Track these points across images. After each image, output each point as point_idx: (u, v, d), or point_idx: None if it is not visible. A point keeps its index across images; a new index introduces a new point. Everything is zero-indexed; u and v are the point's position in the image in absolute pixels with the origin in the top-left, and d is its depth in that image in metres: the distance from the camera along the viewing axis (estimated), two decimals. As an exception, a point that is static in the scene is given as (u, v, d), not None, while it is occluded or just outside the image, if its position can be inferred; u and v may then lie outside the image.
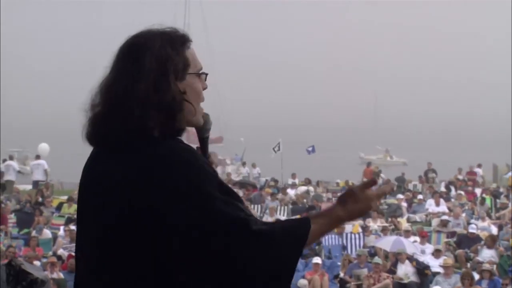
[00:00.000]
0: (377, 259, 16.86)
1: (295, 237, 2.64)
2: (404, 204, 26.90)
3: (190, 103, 2.72)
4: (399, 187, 33.44)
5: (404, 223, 22.89)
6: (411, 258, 17.31)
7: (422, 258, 17.95)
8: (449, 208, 25.07)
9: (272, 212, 23.46)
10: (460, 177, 34.27)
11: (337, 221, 2.79)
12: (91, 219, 2.70)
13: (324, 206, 26.44)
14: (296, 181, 34.01)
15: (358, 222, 22.43)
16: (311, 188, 31.17)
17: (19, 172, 35.24)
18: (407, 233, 20.13)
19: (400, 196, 28.37)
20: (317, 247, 19.40)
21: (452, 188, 31.28)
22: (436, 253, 18.15)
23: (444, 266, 16.61)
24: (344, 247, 20.03)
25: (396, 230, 21.53)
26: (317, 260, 17.14)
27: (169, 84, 2.67)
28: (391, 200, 27.81)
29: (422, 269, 16.99)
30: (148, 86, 2.64)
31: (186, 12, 54.59)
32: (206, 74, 2.83)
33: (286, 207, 26.04)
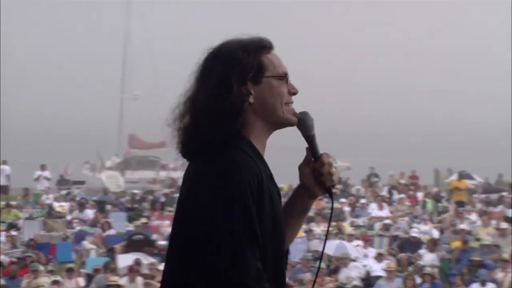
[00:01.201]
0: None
1: None
2: (347, 208, 27.08)
3: (268, 104, 2.81)
4: (342, 191, 33.64)
5: (347, 227, 23.02)
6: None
7: (365, 262, 18.09)
8: (391, 212, 25.31)
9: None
10: (403, 181, 34.63)
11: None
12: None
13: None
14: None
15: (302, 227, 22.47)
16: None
17: None
18: (350, 237, 20.25)
19: (343, 200, 28.54)
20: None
21: (395, 192, 31.58)
22: (379, 257, 18.28)
23: (386, 270, 16.76)
24: (288, 252, 20.02)
25: (339, 234, 21.63)
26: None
27: (230, 88, 2.76)
28: (334, 205, 27.93)
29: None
30: (209, 93, 2.76)
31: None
32: (287, 77, 2.89)
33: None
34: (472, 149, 63.75)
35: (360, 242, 20.05)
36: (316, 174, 2.95)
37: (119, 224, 22.56)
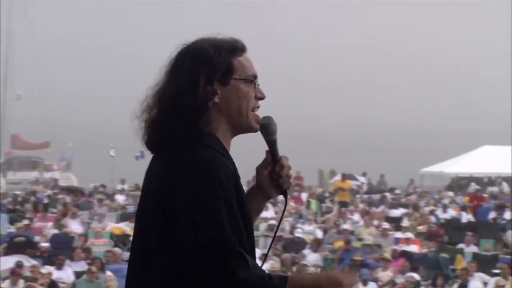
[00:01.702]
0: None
1: None
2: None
3: (232, 106, 2.81)
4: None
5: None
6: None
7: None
8: (276, 213, 25.55)
9: (102, 218, 23.12)
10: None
11: None
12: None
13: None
14: (125, 186, 33.69)
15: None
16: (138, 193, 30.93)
17: None
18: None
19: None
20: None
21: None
22: (263, 258, 18.38)
23: (271, 271, 16.92)
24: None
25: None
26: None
27: (196, 85, 2.76)
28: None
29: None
30: (174, 87, 2.77)
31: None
32: (255, 81, 2.88)
33: (115, 212, 25.73)
34: (356, 150, 65.02)
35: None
36: (275, 176, 2.99)
37: (0, 226, 22.00)
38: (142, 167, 2.95)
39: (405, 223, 23.23)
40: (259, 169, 3.01)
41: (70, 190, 31.80)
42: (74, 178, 41.73)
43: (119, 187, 33.97)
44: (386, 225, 22.20)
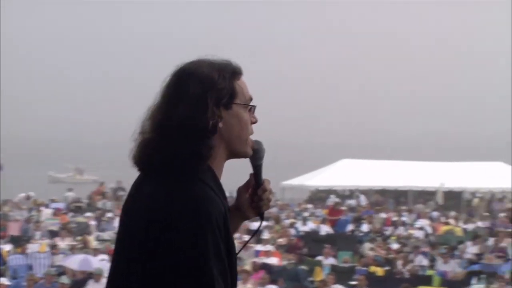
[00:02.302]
0: (64, 279, 16.63)
1: None
2: (93, 223, 26.81)
3: (233, 132, 2.80)
4: (88, 206, 33.31)
5: (92, 242, 22.80)
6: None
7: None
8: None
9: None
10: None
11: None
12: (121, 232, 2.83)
13: (13, 225, 25.63)
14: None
15: (46, 242, 22.02)
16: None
17: None
18: (96, 251, 20.11)
19: (89, 214, 28.20)
20: (2, 267, 18.80)
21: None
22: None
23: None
24: (30, 267, 19.53)
25: (84, 248, 21.39)
26: (3, 281, 16.61)
27: (206, 110, 2.73)
28: (80, 219, 27.61)
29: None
30: (185, 110, 2.73)
31: None
32: (254, 107, 2.86)
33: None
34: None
35: (105, 256, 19.91)
36: (256, 199, 3.00)
37: None
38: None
39: (266, 235, 23.48)
40: (241, 191, 3.03)
41: None
42: None
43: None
44: (247, 237, 22.36)
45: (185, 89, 2.78)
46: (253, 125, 2.88)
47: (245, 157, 2.92)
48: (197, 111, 2.74)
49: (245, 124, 2.86)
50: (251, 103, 2.90)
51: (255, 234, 3.53)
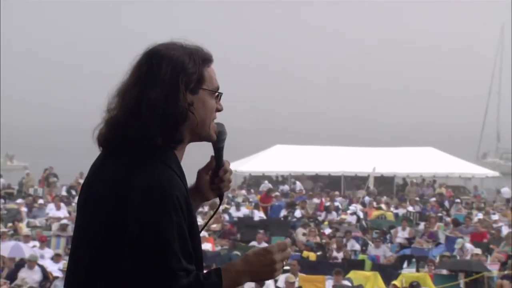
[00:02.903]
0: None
1: None
2: (24, 209, 26.46)
3: (197, 117, 2.80)
4: (19, 192, 32.86)
5: (24, 228, 22.51)
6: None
7: (42, 262, 17.78)
8: (69, 212, 25.10)
9: None
10: (81, 181, 34.45)
11: None
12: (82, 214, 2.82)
13: None
14: None
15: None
16: None
17: None
18: (27, 238, 19.87)
19: (20, 200, 27.82)
20: None
21: (74, 192, 31.35)
22: (56, 258, 18.14)
23: (64, 271, 16.58)
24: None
25: (15, 235, 21.13)
26: None
27: (178, 94, 2.75)
28: (10, 205, 27.24)
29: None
30: (158, 94, 2.74)
31: None
32: (221, 94, 2.90)
33: None
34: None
35: (36, 243, 19.71)
36: (217, 180, 3.05)
37: None
38: None
39: (200, 221, 23.46)
40: (201, 172, 3.07)
41: None
42: None
43: None
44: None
45: (157, 72, 2.79)
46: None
47: (209, 140, 2.96)
48: (169, 96, 2.76)
49: (210, 110, 2.89)
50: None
51: (214, 215, 3.60)
